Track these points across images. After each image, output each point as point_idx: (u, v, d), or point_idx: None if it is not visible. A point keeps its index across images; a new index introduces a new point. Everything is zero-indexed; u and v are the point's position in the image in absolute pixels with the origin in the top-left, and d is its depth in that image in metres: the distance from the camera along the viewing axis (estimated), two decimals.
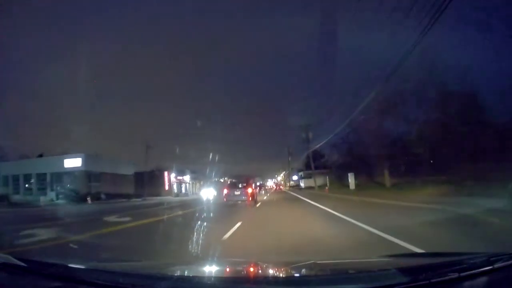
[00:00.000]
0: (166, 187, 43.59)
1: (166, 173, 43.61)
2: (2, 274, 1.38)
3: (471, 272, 1.18)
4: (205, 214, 11.21)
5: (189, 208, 14.39)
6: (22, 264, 1.40)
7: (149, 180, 41.55)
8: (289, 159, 60.46)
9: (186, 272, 1.73)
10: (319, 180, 45.06)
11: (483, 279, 1.17)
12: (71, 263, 1.59)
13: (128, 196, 33.49)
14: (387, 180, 18.82)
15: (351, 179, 24.08)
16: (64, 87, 58.26)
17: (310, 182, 51.03)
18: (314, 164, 66.90)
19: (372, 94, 17.58)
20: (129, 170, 36.98)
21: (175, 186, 45.70)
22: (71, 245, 5.02)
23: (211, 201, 22.71)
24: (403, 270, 1.26)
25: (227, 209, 13.24)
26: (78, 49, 49.74)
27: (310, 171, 57.96)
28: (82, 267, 1.56)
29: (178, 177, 46.12)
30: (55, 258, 2.38)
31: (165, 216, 10.18)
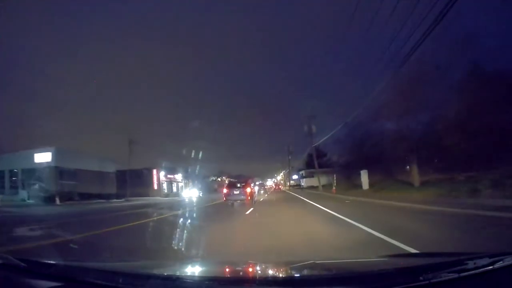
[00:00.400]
0: (155, 187, 39.71)
1: (154, 171, 39.72)
2: (2, 274, 1.36)
3: (471, 272, 1.16)
4: (163, 227, 7.48)
5: (156, 215, 10.71)
6: (22, 264, 1.38)
7: (136, 179, 37.80)
8: (289, 157, 56.63)
9: (186, 272, 1.67)
10: (322, 180, 41.79)
11: (483, 280, 1.16)
12: (71, 263, 1.60)
13: (108, 197, 29.66)
14: (416, 177, 14.98)
15: (364, 177, 20.23)
16: (50, 81, 54.58)
17: (312, 182, 47.29)
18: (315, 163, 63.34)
19: (389, 75, 13.88)
20: (110, 168, 33.09)
21: (165, 186, 41.82)
22: None
23: (194, 204, 18.92)
24: (403, 270, 1.32)
25: (202, 220, 9.78)
26: (65, 43, 45.93)
27: (312, 170, 54.23)
28: (82, 267, 1.57)
29: (169, 176, 42.22)
30: (55, 258, 2.05)
31: (103, 230, 6.57)
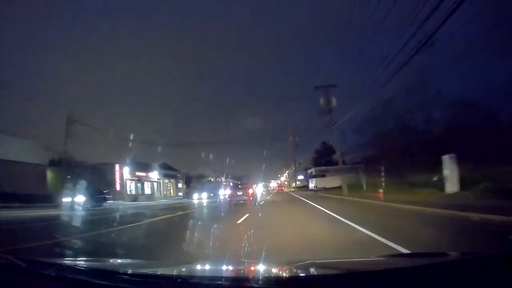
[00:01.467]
0: (118, 187, 29.94)
1: (117, 167, 29.98)
2: (2, 274, 1.35)
3: (472, 272, 1.16)
4: None
5: None
6: (22, 264, 1.37)
7: (91, 177, 28.29)
8: (295, 152, 46.39)
9: (186, 272, 1.67)
10: (334, 180, 32.83)
11: (483, 279, 1.13)
12: (71, 262, 1.65)
13: (28, 199, 19.95)
14: None
15: (451, 168, 10.24)
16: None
17: (325, 182, 37.10)
18: (323, 161, 52.57)
19: None
20: (40, 158, 23.39)
21: (133, 186, 32.00)
22: None
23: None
24: (403, 270, 1.30)
25: None
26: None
27: (324, 168, 44.11)
28: (82, 266, 1.54)
29: (138, 173, 32.34)
30: (55, 258, 2.30)
31: None
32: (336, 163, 49.90)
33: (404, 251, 3.73)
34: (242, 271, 1.71)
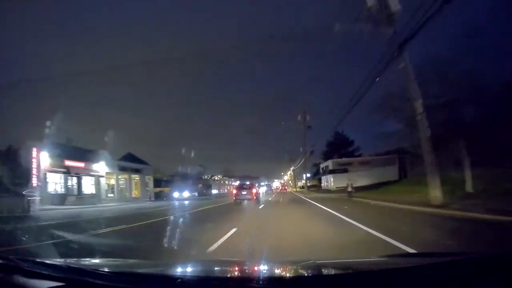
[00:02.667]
0: (34, 182, 19.30)
1: (34, 152, 19.35)
2: (2, 274, 1.32)
3: (472, 272, 1.15)
4: None
5: None
6: (23, 264, 1.36)
7: None
8: (305, 139, 35.27)
9: (186, 272, 1.63)
10: (362, 177, 25.04)
11: (484, 279, 1.12)
12: (71, 263, 1.60)
13: None
14: None
15: None
16: None
17: (347, 180, 26.22)
18: (336, 155, 41.26)
19: None
20: None
21: (61, 180, 21.28)
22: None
23: None
24: (403, 270, 1.29)
25: None
26: None
27: (347, 159, 33.14)
28: (82, 267, 1.51)
29: (70, 162, 21.57)
30: (56, 258, 2.21)
31: None
32: (354, 156, 39.06)
33: None
34: (242, 271, 1.71)
